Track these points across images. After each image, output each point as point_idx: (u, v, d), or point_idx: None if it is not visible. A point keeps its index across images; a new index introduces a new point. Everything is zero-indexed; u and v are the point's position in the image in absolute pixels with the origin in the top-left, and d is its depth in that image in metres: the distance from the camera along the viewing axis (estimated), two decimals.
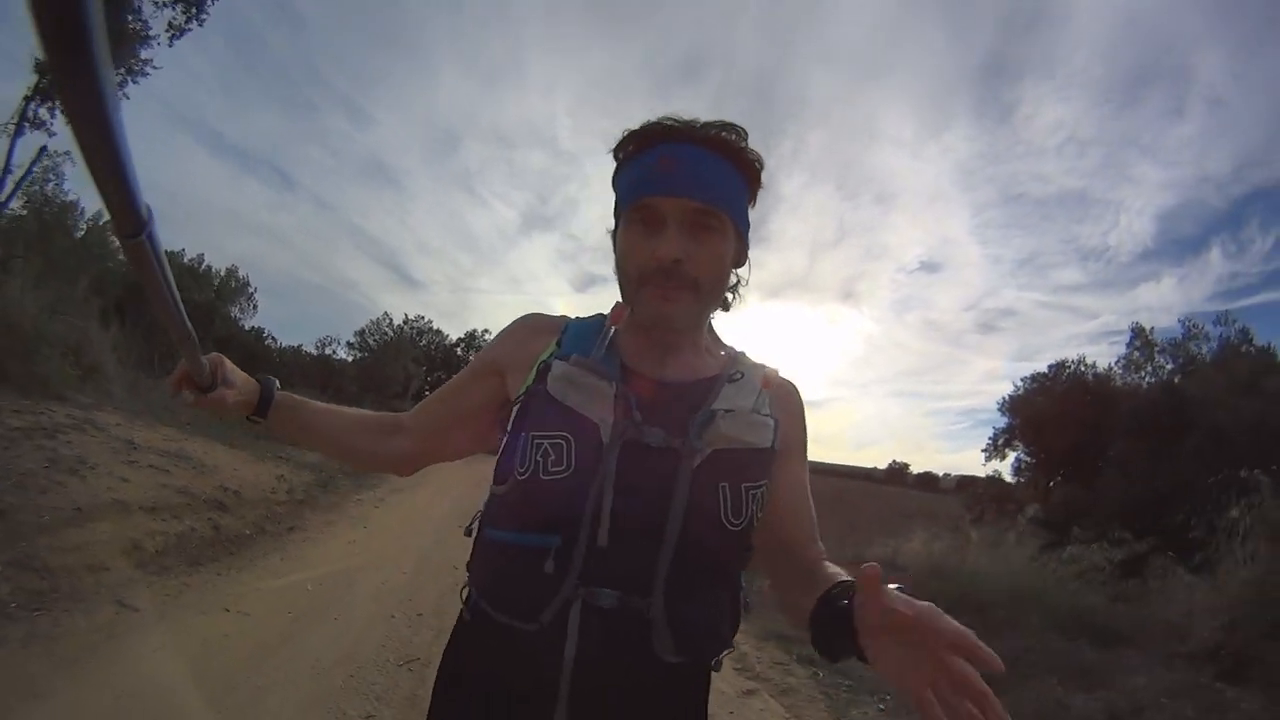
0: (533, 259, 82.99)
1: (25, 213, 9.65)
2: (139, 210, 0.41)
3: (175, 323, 0.61)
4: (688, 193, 0.66)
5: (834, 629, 0.56)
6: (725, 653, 0.70)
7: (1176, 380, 11.53)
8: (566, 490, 0.63)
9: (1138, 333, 14.48)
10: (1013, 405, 13.11)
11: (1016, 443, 13.09)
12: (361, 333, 20.92)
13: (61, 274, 7.38)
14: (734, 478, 0.66)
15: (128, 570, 2.75)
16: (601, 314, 0.76)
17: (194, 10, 7.74)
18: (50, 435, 3.94)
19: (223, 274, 21.33)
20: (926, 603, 0.49)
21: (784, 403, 0.75)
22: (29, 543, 2.57)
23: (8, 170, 7.56)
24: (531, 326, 0.78)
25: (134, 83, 7.79)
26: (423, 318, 22.40)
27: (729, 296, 0.76)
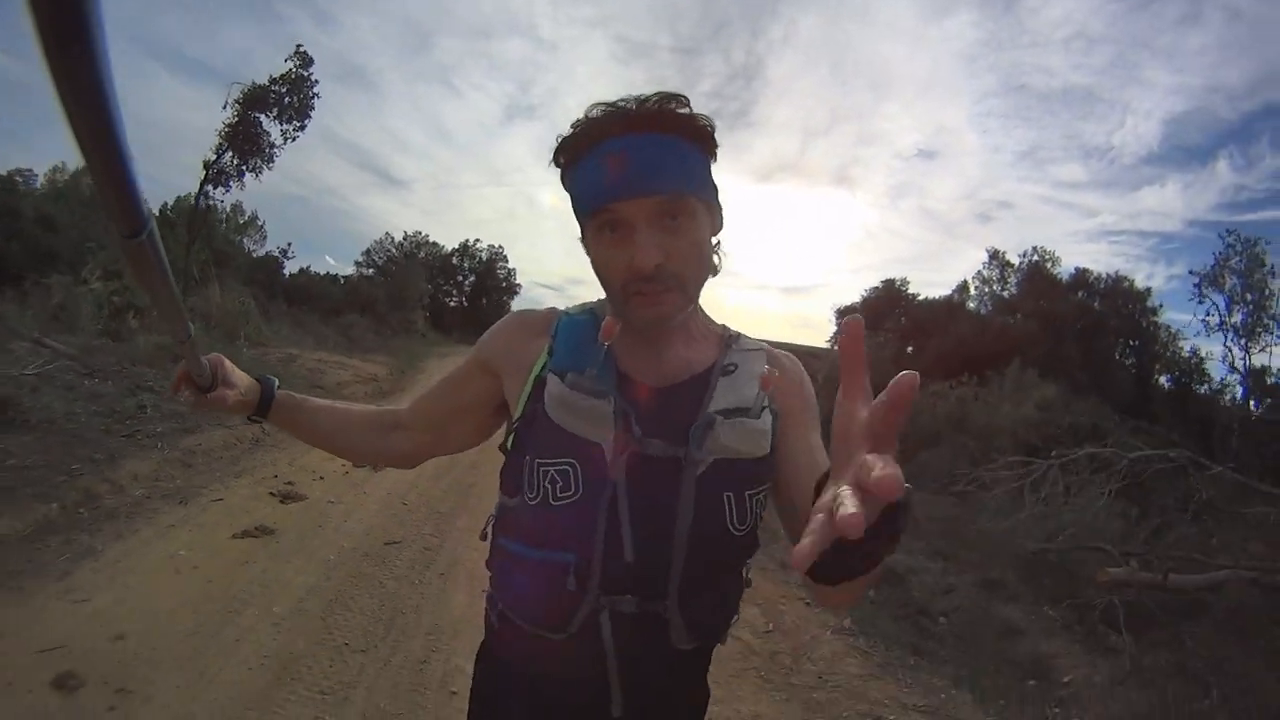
0: (516, 150, 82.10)
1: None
2: (139, 210, 0.41)
3: (176, 323, 0.61)
4: (647, 189, 0.63)
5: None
6: (733, 622, 0.75)
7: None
8: (578, 513, 0.65)
9: (993, 255, 18.34)
10: (853, 310, 18.09)
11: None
12: (368, 252, 24.03)
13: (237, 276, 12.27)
14: (737, 486, 0.68)
15: (371, 400, 8.02)
16: (591, 308, 0.76)
17: (299, 123, 11.83)
18: (291, 361, 9.12)
19: (229, 210, 22.74)
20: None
21: (782, 384, 0.73)
22: (336, 396, 7.84)
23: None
24: (522, 327, 0.77)
25: (269, 169, 11.83)
26: (420, 232, 24.73)
27: (716, 260, 0.73)
